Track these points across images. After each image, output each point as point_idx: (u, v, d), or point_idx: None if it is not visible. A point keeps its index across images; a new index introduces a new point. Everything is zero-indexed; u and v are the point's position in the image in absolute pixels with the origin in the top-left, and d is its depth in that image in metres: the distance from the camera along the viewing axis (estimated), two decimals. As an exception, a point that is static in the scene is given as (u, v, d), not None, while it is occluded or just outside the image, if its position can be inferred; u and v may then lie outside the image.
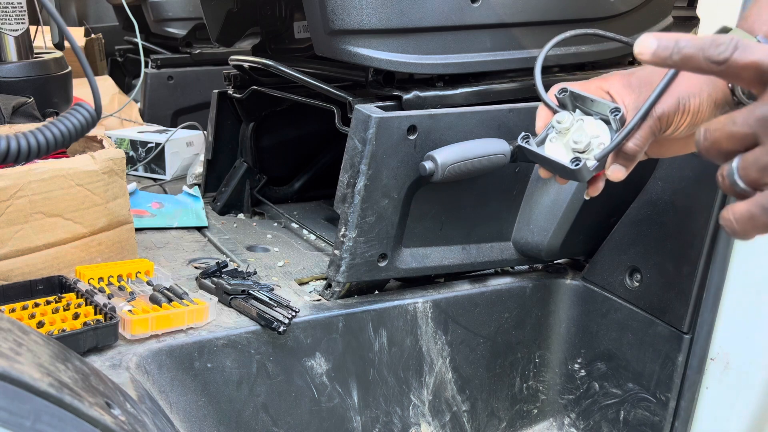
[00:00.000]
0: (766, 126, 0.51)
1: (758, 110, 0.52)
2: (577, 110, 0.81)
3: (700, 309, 1.04)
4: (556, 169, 0.83)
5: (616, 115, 0.76)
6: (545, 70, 1.28)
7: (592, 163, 0.78)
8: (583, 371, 1.22)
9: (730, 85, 0.69)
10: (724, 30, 0.65)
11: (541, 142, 0.83)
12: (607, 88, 0.79)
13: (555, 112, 0.82)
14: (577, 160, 0.78)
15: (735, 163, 0.54)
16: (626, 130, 0.74)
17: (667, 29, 1.47)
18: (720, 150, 0.55)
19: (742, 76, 0.55)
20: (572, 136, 0.80)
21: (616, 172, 0.78)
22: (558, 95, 0.81)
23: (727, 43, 0.54)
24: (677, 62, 0.57)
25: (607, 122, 0.78)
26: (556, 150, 0.81)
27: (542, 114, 0.84)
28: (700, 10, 1.09)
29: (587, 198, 0.87)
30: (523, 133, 0.84)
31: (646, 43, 0.58)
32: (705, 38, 0.55)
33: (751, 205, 0.53)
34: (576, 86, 0.81)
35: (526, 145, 0.83)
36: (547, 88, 0.85)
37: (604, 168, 0.79)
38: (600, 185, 0.84)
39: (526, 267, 1.29)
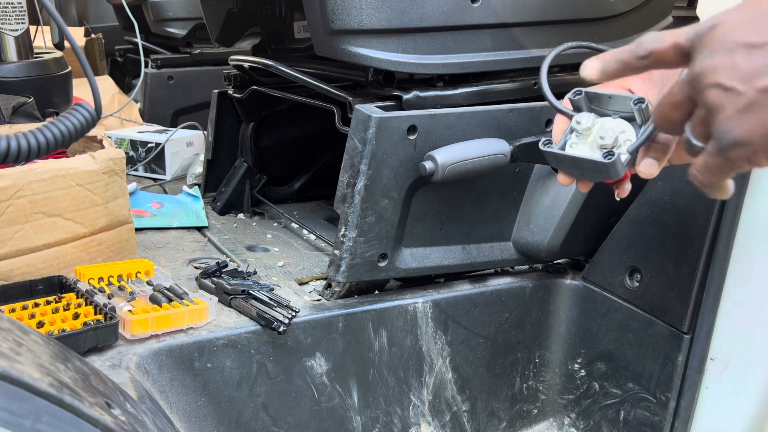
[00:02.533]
0: (694, 86, 0.59)
1: (686, 76, 0.60)
2: (593, 113, 0.78)
3: (700, 309, 1.04)
4: (585, 168, 0.77)
5: (641, 105, 0.72)
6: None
7: (625, 156, 0.74)
8: (583, 371, 1.22)
9: None
10: None
11: (562, 149, 0.78)
12: (627, 86, 0.77)
13: (571, 117, 0.78)
14: (609, 153, 0.73)
15: (687, 127, 0.63)
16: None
17: (667, 29, 1.46)
18: (671, 121, 0.64)
19: (669, 60, 0.63)
20: (596, 134, 0.76)
21: (650, 167, 0.74)
22: (572, 98, 0.79)
23: (649, 39, 0.63)
24: (618, 70, 0.68)
25: (629, 119, 0.75)
26: (581, 151, 0.77)
27: (558, 122, 0.82)
28: (700, 10, 1.09)
29: (618, 199, 0.83)
30: (543, 138, 0.79)
31: (590, 66, 0.70)
32: (633, 43, 0.65)
33: (705, 156, 0.60)
34: (593, 87, 0.78)
35: (548, 149, 0.78)
36: (551, 89, 0.83)
37: (635, 165, 0.75)
38: (628, 186, 0.80)
39: (526, 267, 1.29)
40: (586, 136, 0.77)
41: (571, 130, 0.78)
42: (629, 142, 0.74)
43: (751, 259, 0.99)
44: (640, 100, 0.73)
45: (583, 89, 0.79)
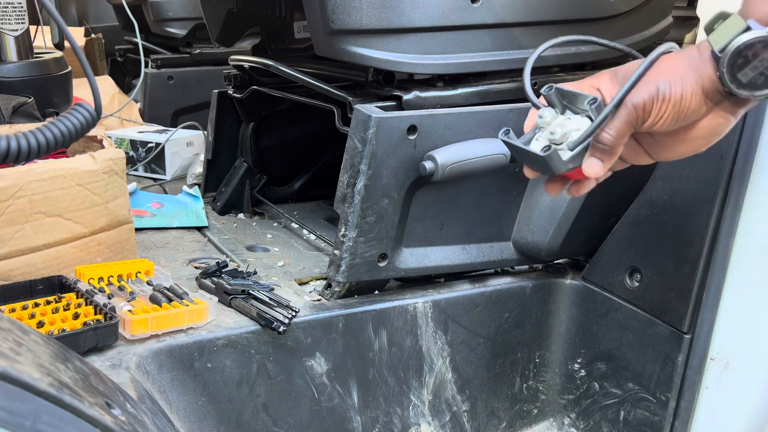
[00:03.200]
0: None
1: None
2: (567, 110, 0.79)
3: (700, 309, 1.04)
4: (531, 161, 0.80)
5: (593, 104, 0.74)
6: (546, 70, 1.29)
7: (566, 153, 0.75)
8: (583, 371, 1.22)
9: (717, 72, 0.69)
10: (722, 15, 0.69)
11: (528, 142, 0.80)
12: (597, 84, 0.78)
13: (538, 107, 0.80)
14: (547, 147, 0.75)
15: None
16: (599, 119, 0.72)
17: (666, 29, 1.47)
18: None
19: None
20: (549, 129, 0.77)
21: (592, 166, 0.75)
22: (544, 93, 0.80)
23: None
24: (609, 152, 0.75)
25: (591, 119, 0.76)
26: (536, 145, 0.79)
27: (531, 115, 0.83)
28: (700, 10, 1.09)
29: (567, 196, 0.85)
30: (503, 128, 0.82)
31: (593, 168, 0.76)
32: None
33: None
34: (566, 85, 0.79)
35: (505, 138, 0.81)
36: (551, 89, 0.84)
37: (581, 163, 0.76)
38: (585, 186, 0.82)
39: (526, 267, 1.29)
40: (545, 130, 0.78)
41: (538, 127, 0.80)
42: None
43: (751, 259, 0.99)
44: (593, 100, 0.74)
45: (555, 85, 0.79)
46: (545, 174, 0.81)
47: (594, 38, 0.88)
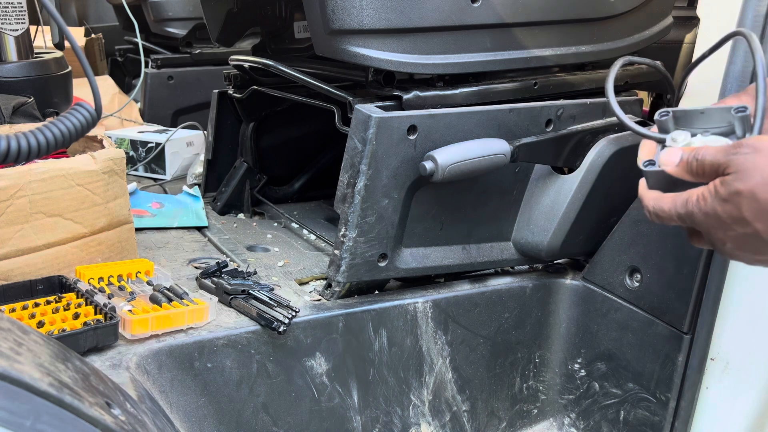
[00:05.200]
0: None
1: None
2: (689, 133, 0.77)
3: (700, 309, 1.04)
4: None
5: (743, 113, 0.70)
6: (546, 69, 1.29)
7: None
8: (583, 371, 1.22)
9: None
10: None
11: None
12: (724, 103, 0.77)
13: (660, 140, 0.77)
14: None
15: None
16: (760, 112, 0.69)
17: (666, 29, 1.47)
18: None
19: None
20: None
21: None
22: (659, 118, 0.78)
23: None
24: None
25: (725, 134, 0.73)
26: None
27: (645, 146, 0.81)
28: (700, 10, 1.09)
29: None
30: (644, 160, 0.77)
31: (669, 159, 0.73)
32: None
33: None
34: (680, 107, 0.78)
35: (652, 168, 0.75)
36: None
37: None
38: None
39: (526, 267, 1.29)
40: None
41: (665, 149, 0.76)
42: None
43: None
44: (742, 109, 0.71)
45: (670, 109, 0.77)
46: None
47: (660, 65, 0.86)
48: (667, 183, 0.75)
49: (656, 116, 0.79)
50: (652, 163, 0.76)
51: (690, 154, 0.71)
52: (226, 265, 1.11)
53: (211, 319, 0.97)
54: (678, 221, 0.72)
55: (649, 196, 0.75)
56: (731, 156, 0.66)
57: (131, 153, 1.82)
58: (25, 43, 1.63)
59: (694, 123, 0.76)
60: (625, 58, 0.94)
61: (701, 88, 1.06)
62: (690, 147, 0.74)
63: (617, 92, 1.32)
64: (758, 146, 0.64)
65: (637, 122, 1.29)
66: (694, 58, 1.03)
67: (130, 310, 0.92)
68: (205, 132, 1.63)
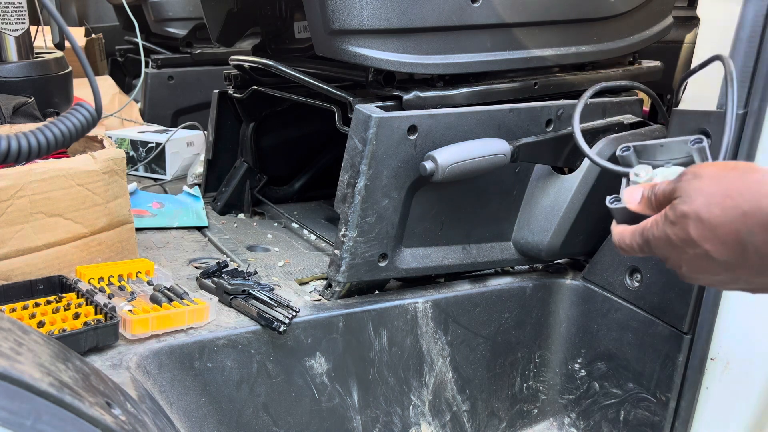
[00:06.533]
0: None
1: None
2: (651, 165, 0.79)
3: (700, 309, 1.04)
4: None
5: (699, 144, 0.73)
6: (546, 69, 1.29)
7: None
8: (583, 371, 1.22)
9: None
10: None
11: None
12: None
13: (624, 174, 0.79)
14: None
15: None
16: (727, 134, 0.72)
17: (666, 29, 1.47)
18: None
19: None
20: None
21: None
22: (620, 154, 0.81)
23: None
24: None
25: (685, 164, 0.76)
26: None
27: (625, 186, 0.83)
28: (700, 10, 1.09)
29: None
30: (609, 198, 0.80)
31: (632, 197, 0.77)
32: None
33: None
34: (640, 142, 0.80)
35: (614, 206, 0.78)
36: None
37: None
38: None
39: (526, 267, 1.29)
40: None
41: (628, 184, 0.79)
42: None
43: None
44: (698, 140, 0.74)
45: (631, 144, 0.80)
46: None
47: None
48: (633, 219, 0.79)
49: (618, 151, 0.82)
50: (618, 200, 0.79)
51: (649, 190, 0.75)
52: (227, 265, 1.11)
53: (212, 319, 0.97)
54: (639, 251, 0.75)
55: (616, 231, 0.79)
56: (677, 183, 0.70)
57: (131, 153, 1.82)
58: (25, 43, 1.63)
59: (656, 155, 0.79)
60: (598, 86, 0.97)
61: (701, 88, 1.06)
62: (651, 183, 0.77)
63: (617, 92, 1.33)
64: (699, 172, 0.68)
65: (636, 122, 1.30)
66: (693, 60, 1.04)
67: (130, 310, 0.92)
68: (206, 132, 1.63)
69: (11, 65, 1.58)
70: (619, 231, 0.77)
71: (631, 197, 0.77)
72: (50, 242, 1.00)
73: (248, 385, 0.98)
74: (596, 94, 1.32)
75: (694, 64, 1.05)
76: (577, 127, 1.00)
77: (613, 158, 1.19)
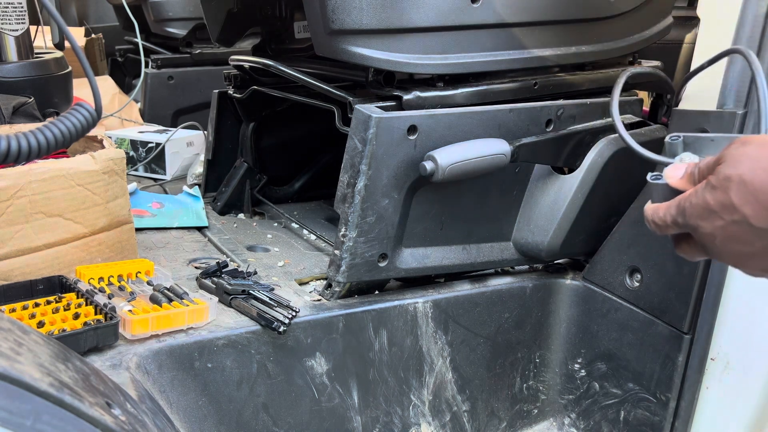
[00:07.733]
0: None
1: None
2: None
3: (700, 309, 1.04)
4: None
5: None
6: (546, 69, 1.29)
7: None
8: (583, 371, 1.22)
9: None
10: None
11: None
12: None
13: (668, 164, 0.78)
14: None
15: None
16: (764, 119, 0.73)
17: (666, 29, 1.47)
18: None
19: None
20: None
21: None
22: (669, 141, 0.80)
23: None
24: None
25: None
26: None
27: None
28: (700, 10, 1.09)
29: None
30: (651, 174, 0.78)
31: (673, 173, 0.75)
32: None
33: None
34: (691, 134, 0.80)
35: (657, 182, 0.77)
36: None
37: None
38: None
39: (526, 267, 1.29)
40: None
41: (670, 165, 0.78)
42: None
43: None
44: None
45: (681, 134, 0.80)
46: None
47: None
48: (671, 197, 0.77)
49: (667, 139, 0.81)
50: (658, 177, 0.78)
51: (693, 166, 0.74)
52: (227, 265, 1.11)
53: (211, 319, 0.97)
54: (672, 224, 0.73)
55: (650, 207, 0.77)
56: (724, 151, 0.69)
57: (131, 153, 1.82)
58: (25, 43, 1.63)
59: (704, 150, 0.79)
60: (629, 71, 0.96)
61: (701, 89, 1.06)
62: (695, 162, 0.76)
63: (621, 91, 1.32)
64: (746, 140, 0.67)
65: (636, 122, 1.30)
66: (693, 60, 1.04)
67: (130, 310, 0.92)
68: (205, 132, 1.63)
69: (11, 65, 1.58)
70: (653, 207, 0.76)
71: (673, 173, 0.75)
72: (50, 242, 1.00)
73: (248, 385, 0.98)
74: (596, 94, 1.32)
75: (694, 64, 1.05)
76: (617, 117, 0.96)
77: (613, 158, 1.19)
